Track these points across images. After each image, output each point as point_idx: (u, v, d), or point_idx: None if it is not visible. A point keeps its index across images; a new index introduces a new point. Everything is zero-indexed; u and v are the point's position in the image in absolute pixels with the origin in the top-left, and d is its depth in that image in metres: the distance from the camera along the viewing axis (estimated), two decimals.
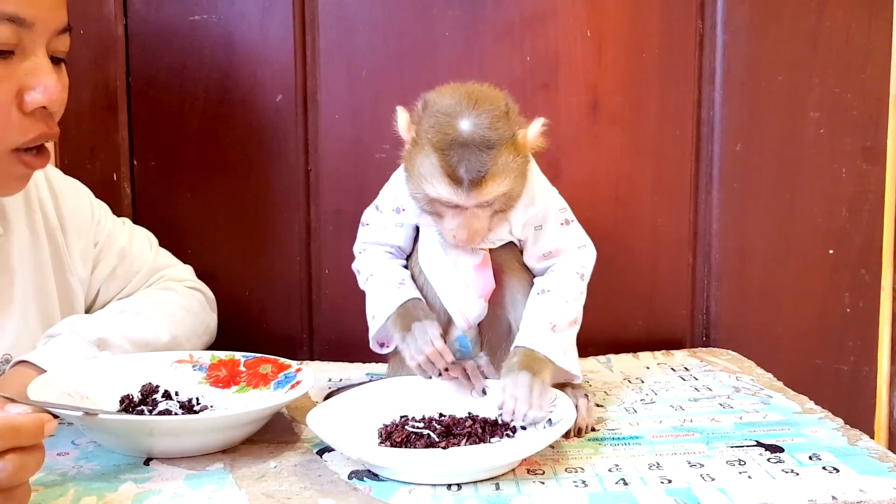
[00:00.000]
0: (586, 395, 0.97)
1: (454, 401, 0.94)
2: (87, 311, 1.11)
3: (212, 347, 1.17)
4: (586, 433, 0.93)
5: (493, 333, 1.01)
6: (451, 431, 0.87)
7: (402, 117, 0.91)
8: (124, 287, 1.14)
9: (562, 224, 0.99)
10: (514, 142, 0.88)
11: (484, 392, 0.95)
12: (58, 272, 1.07)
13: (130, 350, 1.03)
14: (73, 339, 0.99)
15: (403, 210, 0.99)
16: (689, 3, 1.31)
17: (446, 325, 0.99)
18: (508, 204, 0.91)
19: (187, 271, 1.21)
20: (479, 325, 1.00)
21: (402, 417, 0.91)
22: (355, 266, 1.04)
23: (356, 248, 1.04)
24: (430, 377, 0.95)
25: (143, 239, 1.19)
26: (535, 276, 1.00)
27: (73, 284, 1.08)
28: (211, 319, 1.19)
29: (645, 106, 1.33)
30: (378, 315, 0.98)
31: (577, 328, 0.98)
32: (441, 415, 0.91)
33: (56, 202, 1.09)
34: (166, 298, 1.13)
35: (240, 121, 1.32)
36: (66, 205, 1.09)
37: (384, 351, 1.04)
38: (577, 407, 0.90)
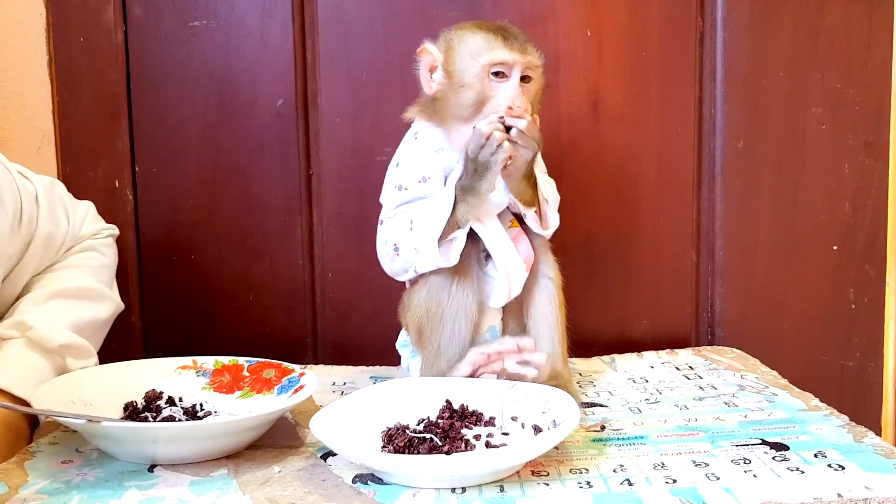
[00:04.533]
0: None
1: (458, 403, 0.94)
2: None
3: (216, 353, 1.17)
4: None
5: (514, 323, 1.06)
6: (452, 435, 0.87)
7: (430, 46, 1.01)
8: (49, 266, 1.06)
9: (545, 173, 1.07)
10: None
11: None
12: None
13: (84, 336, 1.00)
14: (33, 359, 0.94)
15: (429, 178, 1.01)
16: (688, 0, 1.31)
17: (478, 321, 1.02)
18: (536, 97, 1.01)
19: (92, 217, 1.12)
20: (502, 315, 1.05)
21: (404, 421, 0.91)
22: (391, 247, 1.02)
23: (386, 252, 1.03)
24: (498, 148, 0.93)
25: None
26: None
27: None
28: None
29: (646, 104, 1.33)
30: (439, 214, 0.97)
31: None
32: (444, 417, 0.91)
33: None
34: (90, 264, 1.07)
35: (241, 125, 1.32)
36: None
37: (450, 264, 0.98)
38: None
